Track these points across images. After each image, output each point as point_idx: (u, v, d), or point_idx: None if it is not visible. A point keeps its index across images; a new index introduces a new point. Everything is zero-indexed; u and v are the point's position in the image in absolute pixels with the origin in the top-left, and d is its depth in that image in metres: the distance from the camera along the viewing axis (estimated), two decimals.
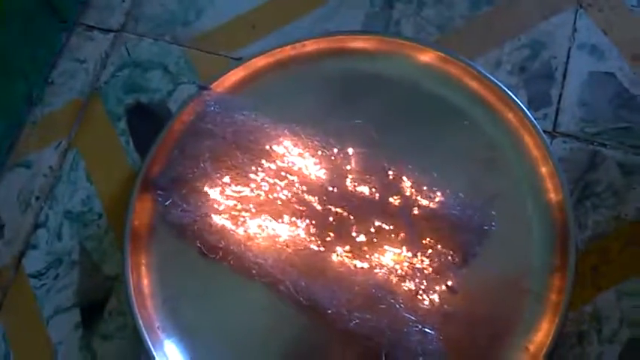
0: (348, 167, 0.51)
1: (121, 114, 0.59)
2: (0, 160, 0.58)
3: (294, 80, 0.55)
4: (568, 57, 0.57)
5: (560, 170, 0.50)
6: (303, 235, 0.50)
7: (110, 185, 0.57)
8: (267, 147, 0.52)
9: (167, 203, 0.51)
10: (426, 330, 0.45)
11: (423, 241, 0.48)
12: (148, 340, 0.49)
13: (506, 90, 0.52)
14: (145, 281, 0.51)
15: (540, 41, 0.57)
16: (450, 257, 0.48)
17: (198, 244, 0.51)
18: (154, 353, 0.48)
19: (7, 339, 0.54)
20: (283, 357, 0.48)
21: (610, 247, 0.51)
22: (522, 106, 0.51)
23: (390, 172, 0.50)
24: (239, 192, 0.51)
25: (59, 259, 0.55)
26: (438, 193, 0.50)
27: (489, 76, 0.52)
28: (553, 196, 0.50)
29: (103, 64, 0.61)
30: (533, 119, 0.51)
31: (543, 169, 0.50)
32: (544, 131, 0.51)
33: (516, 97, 0.52)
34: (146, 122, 0.58)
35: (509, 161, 0.51)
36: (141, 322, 0.49)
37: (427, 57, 0.54)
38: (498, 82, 0.52)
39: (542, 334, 0.47)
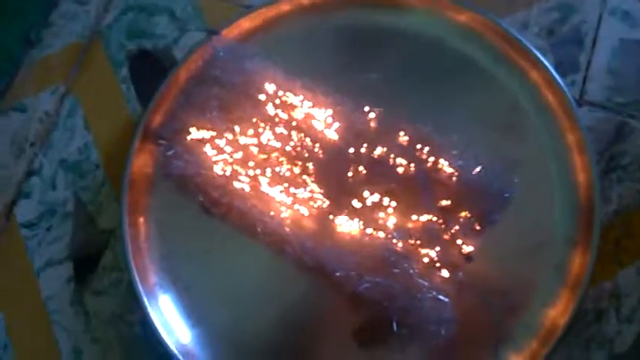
0: (363, 126, 0.48)
1: (123, 60, 0.55)
2: None
3: (309, 31, 0.52)
4: (599, 22, 0.53)
5: (588, 139, 0.47)
6: (312, 194, 0.47)
7: (109, 134, 0.54)
8: (278, 100, 0.49)
9: (169, 154, 0.48)
10: (440, 297, 0.42)
11: (440, 207, 0.46)
12: (143, 297, 0.46)
13: (535, 51, 0.49)
14: (143, 236, 0.49)
15: (570, 4, 0.54)
16: (467, 224, 0.45)
17: (201, 199, 0.48)
18: (150, 311, 0.46)
19: None
20: (285, 320, 0.46)
21: (634, 222, 0.48)
22: (551, 68, 0.48)
23: (408, 133, 0.48)
24: (247, 145, 0.48)
25: (52, 209, 0.52)
26: (457, 157, 0.47)
27: (517, 35, 0.49)
28: (578, 165, 0.47)
29: (106, 7, 0.57)
30: (561, 83, 0.48)
31: (570, 137, 0.47)
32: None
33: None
34: (149, 69, 0.55)
35: (533, 126, 0.48)
36: (137, 278, 0.46)
37: (451, 13, 0.51)
38: (526, 42, 0.49)
39: (560, 309, 0.44)
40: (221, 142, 0.48)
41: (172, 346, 0.45)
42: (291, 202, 0.47)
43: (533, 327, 0.44)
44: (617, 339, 0.46)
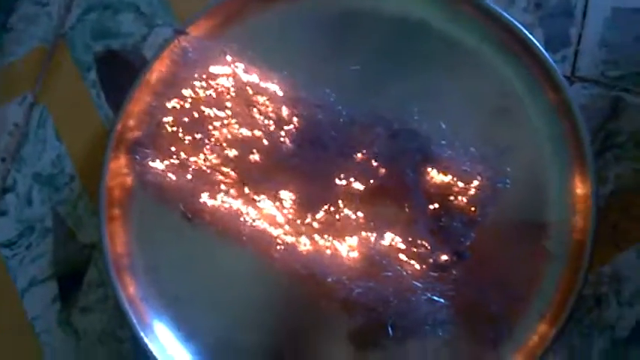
0: (347, 119, 0.46)
1: (91, 63, 0.53)
2: None
3: (284, 21, 0.49)
4: None
5: (582, 121, 0.45)
6: (299, 196, 0.45)
7: (82, 143, 0.51)
8: (255, 98, 0.46)
9: (145, 161, 0.46)
10: (435, 298, 0.41)
11: (429, 202, 0.44)
12: (130, 312, 0.45)
13: (523, 29, 0.46)
14: (125, 249, 0.47)
15: None
16: (459, 219, 0.43)
17: (182, 208, 0.46)
18: (139, 328, 0.44)
19: None
20: (279, 329, 0.45)
21: (632, 203, 0.46)
22: (541, 48, 0.46)
23: (393, 125, 0.45)
24: (226, 149, 0.46)
25: (31, 226, 0.50)
26: (446, 147, 0.45)
27: (504, 13, 0.47)
28: (573, 148, 0.45)
29: (68, 7, 0.54)
30: (552, 63, 0.46)
31: (563, 119, 0.45)
32: (562, 76, 0.46)
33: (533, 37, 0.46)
34: (119, 71, 0.52)
35: (525, 110, 0.46)
36: (122, 294, 0.45)
37: None
38: (514, 21, 0.46)
39: (560, 298, 0.43)
40: (198, 148, 0.46)
41: None
42: (278, 206, 0.45)
43: (533, 318, 0.43)
44: (619, 324, 0.45)
